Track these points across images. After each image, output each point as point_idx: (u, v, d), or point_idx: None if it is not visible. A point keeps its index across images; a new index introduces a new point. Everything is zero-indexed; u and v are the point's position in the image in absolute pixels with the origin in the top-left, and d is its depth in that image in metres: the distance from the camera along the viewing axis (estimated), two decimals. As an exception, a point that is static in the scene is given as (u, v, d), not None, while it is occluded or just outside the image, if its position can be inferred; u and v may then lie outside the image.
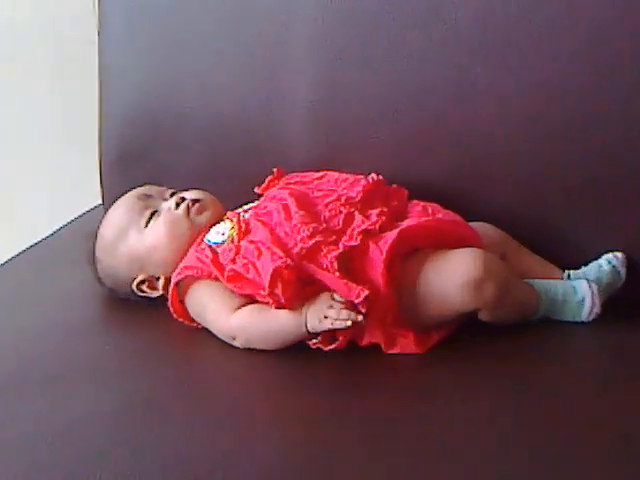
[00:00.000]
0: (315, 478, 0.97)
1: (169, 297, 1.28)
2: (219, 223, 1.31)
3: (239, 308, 1.22)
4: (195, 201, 1.32)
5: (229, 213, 1.32)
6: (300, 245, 1.18)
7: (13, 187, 2.15)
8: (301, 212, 1.23)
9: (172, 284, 1.26)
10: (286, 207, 1.25)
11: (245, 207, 1.33)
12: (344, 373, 1.17)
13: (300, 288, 1.18)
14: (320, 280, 1.18)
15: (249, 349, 1.22)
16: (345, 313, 1.12)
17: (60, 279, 1.44)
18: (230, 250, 1.24)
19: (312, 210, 1.25)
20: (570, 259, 1.32)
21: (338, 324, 1.13)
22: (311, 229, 1.20)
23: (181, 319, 1.28)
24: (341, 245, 1.18)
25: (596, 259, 1.32)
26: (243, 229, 1.26)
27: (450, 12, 1.33)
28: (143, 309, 1.32)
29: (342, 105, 1.40)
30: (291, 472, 0.99)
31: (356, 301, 1.14)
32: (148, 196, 1.35)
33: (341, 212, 1.23)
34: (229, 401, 1.12)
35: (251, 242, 1.23)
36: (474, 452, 1.00)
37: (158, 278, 1.32)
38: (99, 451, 1.02)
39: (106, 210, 1.42)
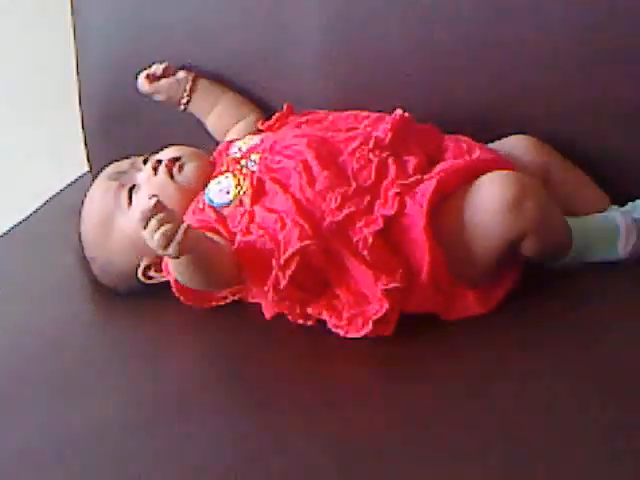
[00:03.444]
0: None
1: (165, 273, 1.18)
2: (218, 177, 1.19)
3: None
4: (174, 160, 1.22)
5: (225, 162, 1.21)
6: (329, 219, 1.09)
7: None
8: (325, 173, 1.12)
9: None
10: (307, 166, 1.13)
11: (240, 145, 1.23)
12: (400, 345, 1.08)
13: (301, 295, 1.10)
14: (341, 270, 1.09)
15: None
16: (156, 240, 1.01)
17: (49, 263, 1.34)
18: (242, 215, 1.13)
19: (336, 162, 1.13)
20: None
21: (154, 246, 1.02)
22: (339, 198, 1.09)
23: (184, 298, 1.16)
24: (379, 218, 1.09)
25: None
26: (256, 190, 1.15)
27: None
28: (143, 296, 1.22)
29: (360, 36, 1.30)
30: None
31: (381, 289, 1.06)
32: (120, 173, 1.25)
33: (371, 161, 1.12)
34: (262, 393, 1.04)
35: (270, 210, 1.12)
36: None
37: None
38: (116, 461, 0.97)
39: (94, 178, 1.33)
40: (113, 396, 1.05)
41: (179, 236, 1.00)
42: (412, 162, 1.13)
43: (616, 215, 1.17)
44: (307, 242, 1.07)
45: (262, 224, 1.11)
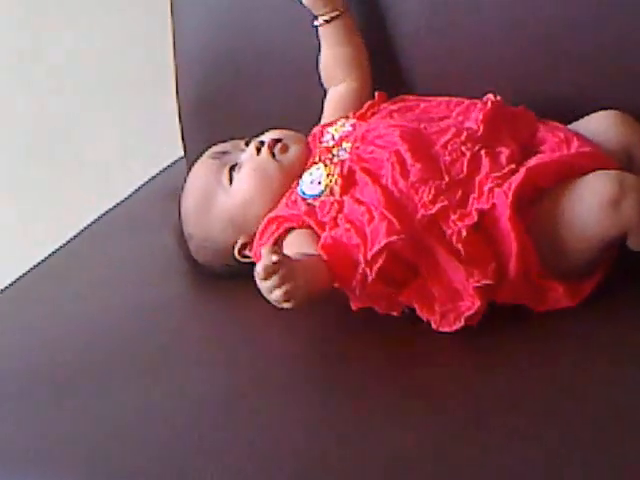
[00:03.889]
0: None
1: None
2: (310, 169, 1.19)
3: None
4: (276, 141, 1.22)
5: (318, 151, 1.21)
6: (422, 212, 1.08)
7: (81, 142, 2.03)
8: (418, 165, 1.10)
9: (270, 242, 1.15)
10: (399, 157, 1.12)
11: (332, 132, 1.22)
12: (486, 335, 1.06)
13: (388, 291, 1.09)
14: (433, 263, 1.08)
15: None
16: (274, 296, 1.01)
17: (146, 245, 1.36)
18: (331, 205, 1.13)
19: (429, 154, 1.12)
20: None
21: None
22: (433, 190, 1.08)
23: None
24: (474, 211, 1.08)
25: None
26: (347, 179, 1.14)
27: None
28: (236, 281, 1.20)
29: (457, 23, 1.30)
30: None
31: (473, 286, 1.05)
32: (223, 153, 1.26)
33: (464, 154, 1.11)
34: (348, 377, 1.05)
35: (359, 202, 1.11)
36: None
37: None
38: (205, 440, 0.97)
39: (189, 164, 1.35)
40: (203, 377, 1.07)
41: (298, 295, 1.01)
42: (505, 153, 1.11)
43: None
44: (394, 237, 1.06)
45: (350, 216, 1.10)
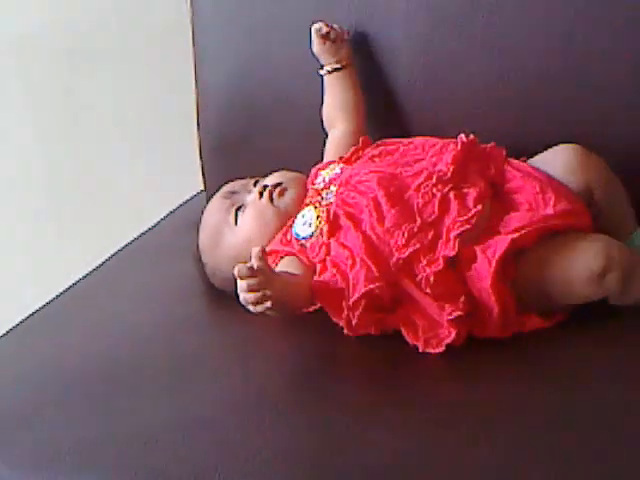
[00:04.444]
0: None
1: None
2: (302, 210, 1.27)
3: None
4: (276, 185, 1.30)
5: (310, 193, 1.28)
6: (396, 256, 1.14)
7: (111, 176, 2.10)
8: (393, 211, 1.17)
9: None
10: (376, 203, 1.18)
11: (324, 175, 1.29)
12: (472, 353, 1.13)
13: (377, 316, 1.15)
14: (410, 298, 1.14)
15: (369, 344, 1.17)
16: (247, 297, 1.08)
17: (167, 271, 1.43)
18: (320, 247, 1.21)
19: (403, 198, 1.18)
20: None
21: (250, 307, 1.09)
22: (406, 234, 1.15)
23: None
24: (440, 258, 1.13)
25: None
26: (332, 224, 1.21)
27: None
28: None
29: (444, 69, 1.41)
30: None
31: (447, 319, 1.11)
32: (233, 193, 1.34)
33: (435, 195, 1.17)
34: (348, 395, 1.10)
35: (343, 246, 1.18)
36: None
37: None
38: (220, 448, 1.01)
39: (208, 197, 1.42)
40: (219, 385, 1.12)
41: (268, 303, 1.08)
42: (472, 195, 1.16)
43: None
44: (371, 286, 1.12)
45: (335, 259, 1.17)
